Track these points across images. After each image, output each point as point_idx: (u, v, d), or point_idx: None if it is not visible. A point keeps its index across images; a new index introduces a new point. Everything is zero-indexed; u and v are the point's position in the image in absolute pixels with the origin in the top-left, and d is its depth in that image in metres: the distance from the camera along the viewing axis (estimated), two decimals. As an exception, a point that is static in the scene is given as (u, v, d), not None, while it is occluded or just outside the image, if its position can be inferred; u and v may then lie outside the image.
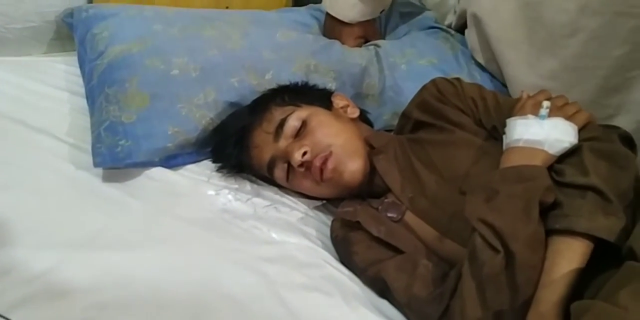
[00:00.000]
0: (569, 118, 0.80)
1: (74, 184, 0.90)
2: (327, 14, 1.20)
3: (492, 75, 1.15)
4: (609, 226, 0.69)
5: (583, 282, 0.68)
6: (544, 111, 0.80)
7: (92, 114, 0.99)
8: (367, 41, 1.22)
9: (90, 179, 0.91)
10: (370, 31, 1.22)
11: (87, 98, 1.03)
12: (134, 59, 1.00)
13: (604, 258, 0.69)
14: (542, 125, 0.79)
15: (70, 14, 1.18)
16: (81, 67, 1.09)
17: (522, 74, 1.03)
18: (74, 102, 1.06)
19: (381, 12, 1.22)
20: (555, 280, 0.68)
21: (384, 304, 0.78)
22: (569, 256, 0.69)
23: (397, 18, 1.31)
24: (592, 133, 0.80)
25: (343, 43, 1.17)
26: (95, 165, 0.90)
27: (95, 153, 0.92)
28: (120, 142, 0.92)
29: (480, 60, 1.14)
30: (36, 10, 1.18)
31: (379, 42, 1.19)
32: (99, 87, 1.00)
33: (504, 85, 1.12)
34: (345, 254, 0.84)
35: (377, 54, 1.15)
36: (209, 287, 0.75)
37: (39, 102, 1.06)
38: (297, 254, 0.83)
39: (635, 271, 0.57)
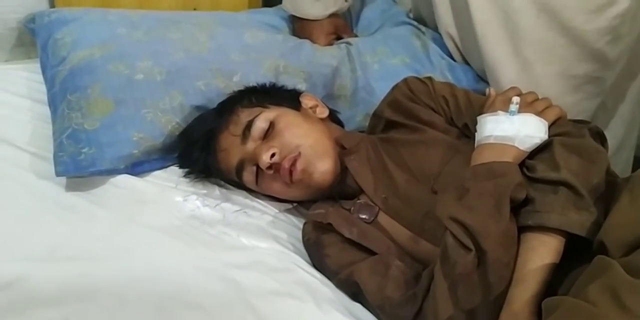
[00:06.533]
0: (539, 114, 0.80)
1: (35, 194, 0.87)
2: (293, 16, 1.18)
3: (464, 73, 1.14)
4: (580, 221, 0.69)
5: (556, 278, 0.68)
6: (513, 107, 0.80)
7: (54, 122, 0.96)
8: (339, 38, 1.20)
9: (53, 188, 0.88)
10: (340, 25, 1.20)
11: (49, 105, 1.00)
12: (97, 64, 0.98)
13: (577, 253, 0.68)
14: (512, 121, 0.78)
15: (32, 19, 1.14)
16: (43, 73, 1.06)
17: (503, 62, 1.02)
18: (36, 109, 1.03)
19: (345, 1, 1.20)
20: (528, 277, 0.67)
21: (357, 307, 0.76)
22: (541, 253, 0.69)
23: (368, 13, 1.29)
24: (562, 128, 0.80)
25: (315, 41, 1.15)
26: (58, 174, 0.87)
27: (57, 162, 0.89)
28: (84, 150, 0.89)
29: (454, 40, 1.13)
30: (-3, 17, 1.15)
31: (351, 39, 1.18)
32: (61, 93, 0.97)
33: (483, 80, 1.10)
34: (317, 257, 0.83)
35: (349, 53, 1.13)
36: (176, 296, 0.73)
37: (-1, 110, 1.03)
38: (268, 259, 0.81)
39: (605, 265, 0.56)
